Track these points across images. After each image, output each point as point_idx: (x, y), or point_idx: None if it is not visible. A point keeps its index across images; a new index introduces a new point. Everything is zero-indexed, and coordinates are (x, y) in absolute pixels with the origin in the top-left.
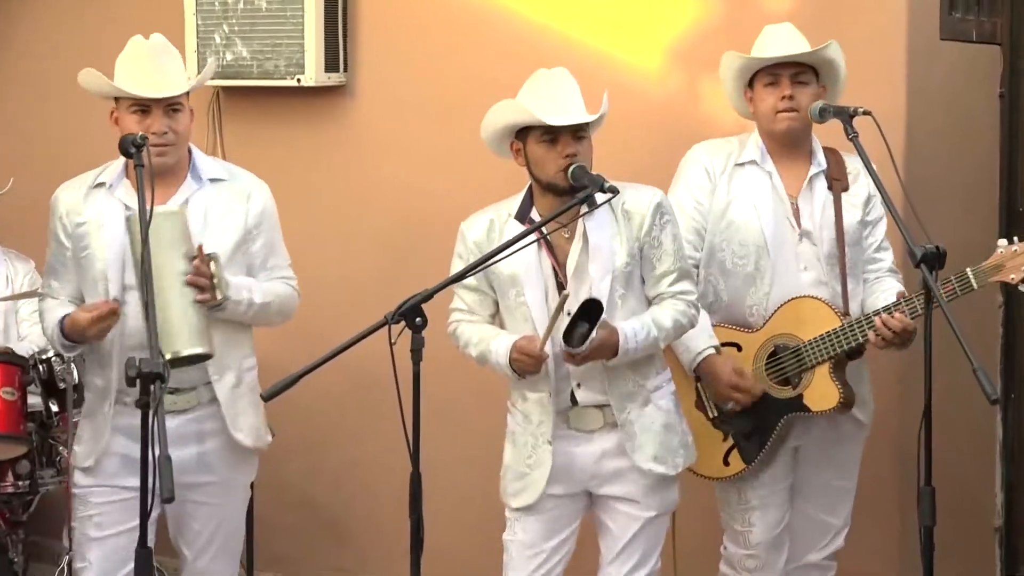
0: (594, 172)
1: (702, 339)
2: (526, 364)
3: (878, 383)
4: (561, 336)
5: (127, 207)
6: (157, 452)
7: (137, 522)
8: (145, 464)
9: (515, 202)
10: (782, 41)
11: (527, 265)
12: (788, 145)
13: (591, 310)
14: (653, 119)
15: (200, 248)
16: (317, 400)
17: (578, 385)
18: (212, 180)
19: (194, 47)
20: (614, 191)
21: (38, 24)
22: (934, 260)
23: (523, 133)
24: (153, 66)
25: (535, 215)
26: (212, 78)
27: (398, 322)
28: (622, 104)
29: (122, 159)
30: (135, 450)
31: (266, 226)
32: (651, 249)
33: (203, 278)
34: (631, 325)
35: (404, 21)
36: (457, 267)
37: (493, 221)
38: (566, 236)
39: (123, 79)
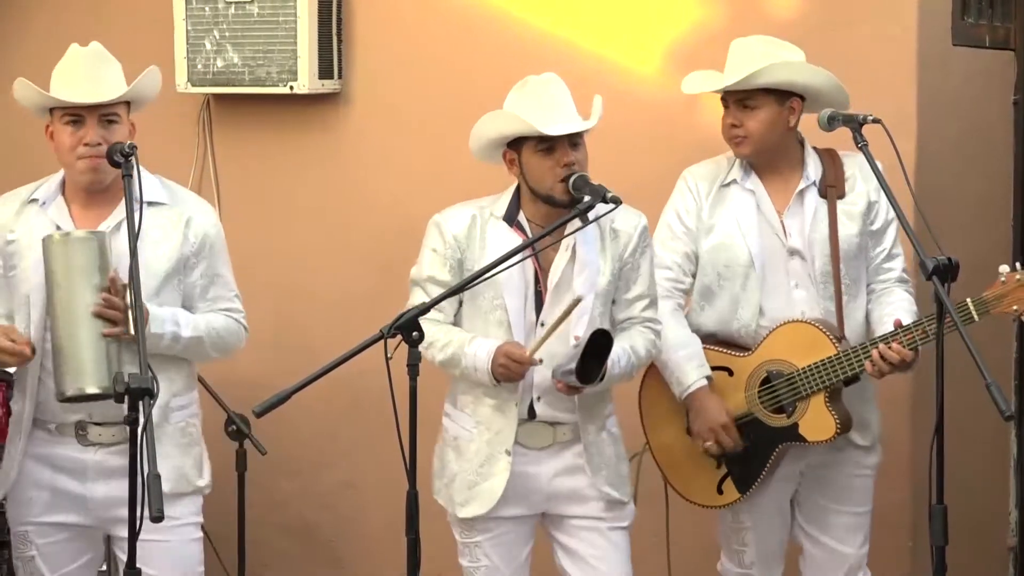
0: (595, 182)
1: (692, 369)
2: (514, 371)
3: (888, 399)
4: (574, 368)
5: (57, 227)
6: (147, 470)
7: (88, 556)
8: (133, 482)
9: (498, 202)
10: (736, 62)
11: (509, 272)
12: (768, 162)
13: (599, 342)
14: (652, 126)
15: (112, 278)
16: (310, 418)
17: (539, 398)
18: (150, 203)
19: (184, 54)
20: (617, 201)
21: (23, 31)
22: (946, 272)
23: (517, 143)
24: (87, 73)
25: (522, 219)
26: (203, 85)
27: (394, 336)
28: (621, 111)
29: (57, 175)
30: (64, 483)
31: (207, 254)
32: (631, 271)
33: (112, 310)
34: (615, 352)
35: (400, 27)
36: (433, 261)
37: (475, 217)
38: (552, 246)
39: (55, 87)
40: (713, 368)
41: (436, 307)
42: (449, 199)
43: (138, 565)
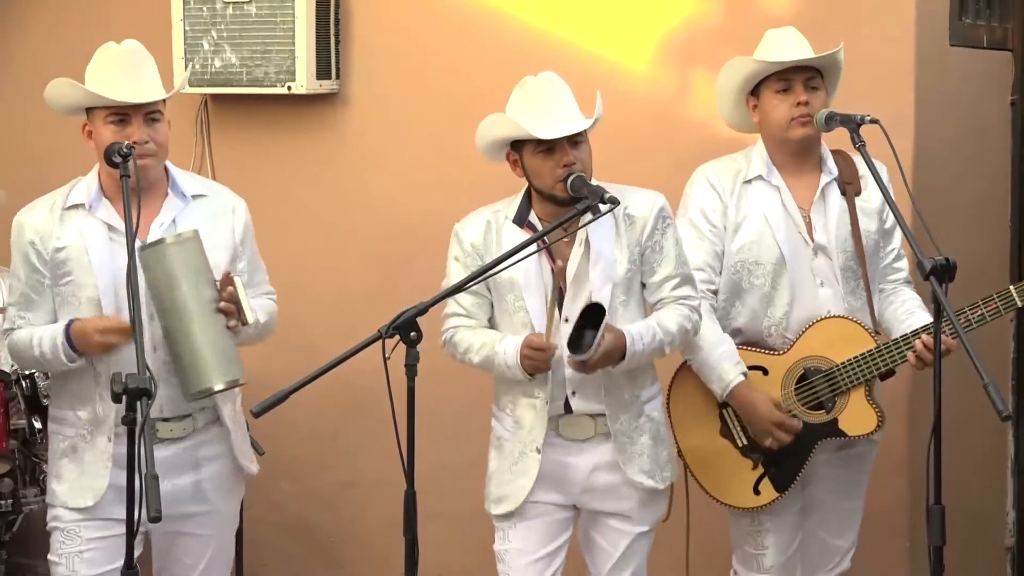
0: (593, 181)
1: (731, 366)
2: (538, 360)
3: (885, 399)
4: (565, 344)
5: (109, 226)
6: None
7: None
8: (132, 483)
9: (511, 205)
10: (792, 45)
11: (527, 270)
12: (799, 155)
13: (593, 315)
14: (650, 124)
15: (227, 273)
16: (309, 417)
17: (573, 393)
18: (195, 196)
19: (182, 54)
20: (614, 202)
21: (22, 31)
22: (944, 272)
23: (518, 144)
24: (129, 72)
25: (534, 219)
26: (200, 85)
27: (392, 336)
28: (619, 110)
29: (89, 176)
30: (122, 478)
31: (249, 242)
32: (652, 253)
33: (232, 303)
34: (637, 328)
35: (398, 27)
36: (455, 270)
37: (490, 223)
38: (567, 241)
39: (96, 86)
40: (749, 367)
41: (467, 313)
42: (447, 199)
43: (191, 560)
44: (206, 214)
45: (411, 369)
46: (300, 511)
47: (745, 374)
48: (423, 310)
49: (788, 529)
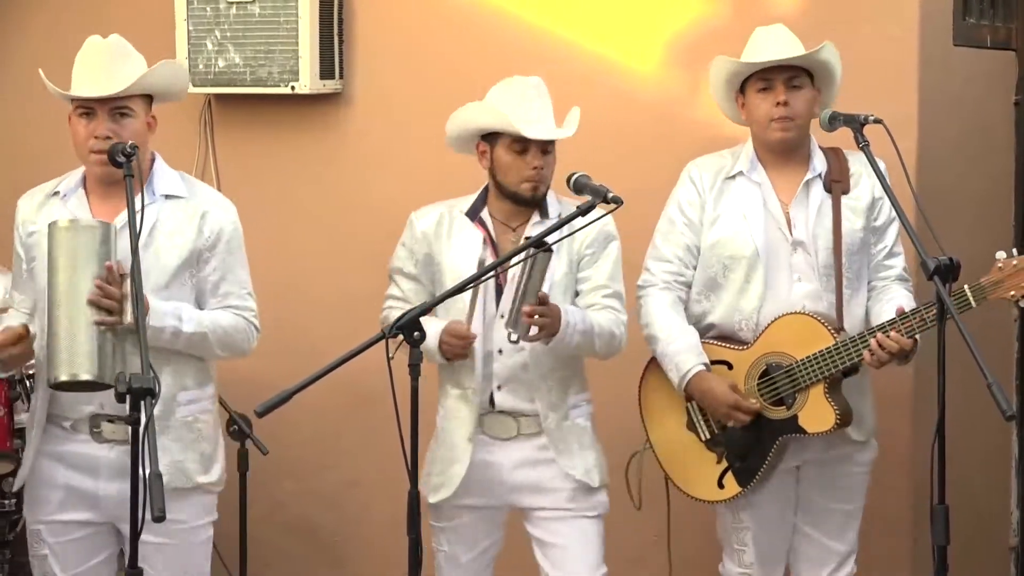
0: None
1: (691, 357)
2: (455, 347)
3: (889, 398)
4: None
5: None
6: (148, 470)
7: (104, 555)
8: (136, 482)
9: (467, 200)
10: (774, 44)
11: (469, 262)
12: (783, 152)
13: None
14: (653, 124)
15: (109, 267)
16: (311, 418)
17: (499, 387)
18: (167, 196)
19: (185, 53)
20: (618, 201)
21: (23, 31)
22: (947, 272)
23: (491, 137)
24: (101, 66)
25: (485, 215)
26: (204, 85)
27: (396, 336)
28: (622, 110)
29: (79, 168)
30: (78, 481)
31: (221, 250)
32: (588, 263)
33: (108, 299)
34: (571, 309)
35: (402, 26)
36: (399, 256)
37: (443, 215)
38: (512, 240)
39: (74, 78)
40: (712, 362)
41: (403, 298)
42: (450, 198)
43: (141, 565)
44: (170, 214)
45: (414, 369)
46: (303, 511)
47: (706, 364)
48: (425, 310)
49: (770, 526)
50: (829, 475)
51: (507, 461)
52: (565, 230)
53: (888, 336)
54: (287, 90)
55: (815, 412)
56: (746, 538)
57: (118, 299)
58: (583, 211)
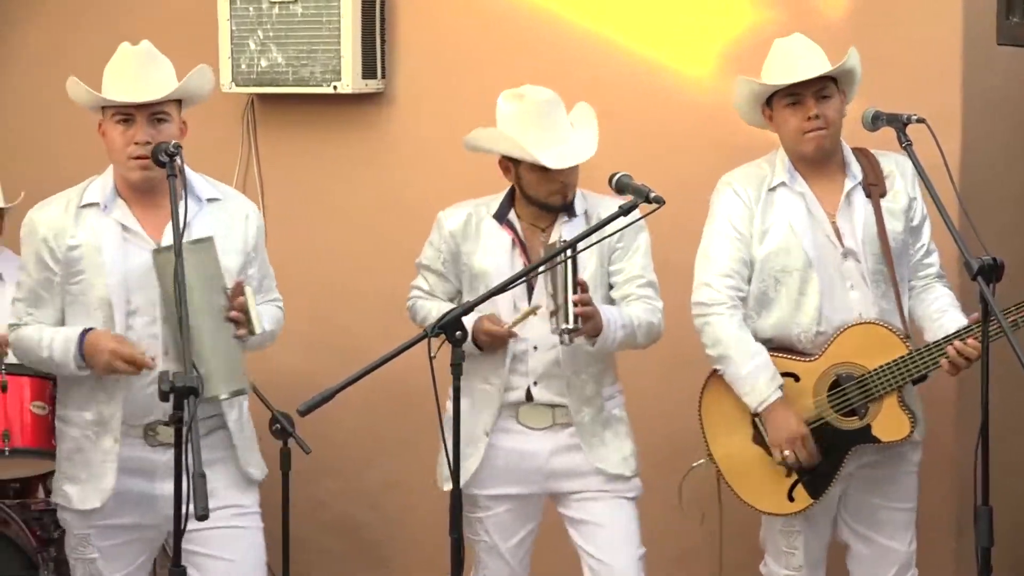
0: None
1: (766, 380)
2: (493, 342)
3: (934, 400)
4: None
5: (123, 227)
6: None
7: (145, 556)
8: (179, 481)
9: (494, 201)
10: (799, 59)
11: (498, 264)
12: (818, 162)
13: None
14: (701, 128)
15: (239, 283)
16: (353, 417)
17: (535, 383)
18: (210, 200)
19: (228, 53)
20: (659, 202)
21: (68, 33)
22: (991, 272)
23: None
24: (137, 72)
25: (513, 217)
26: (247, 85)
27: (438, 335)
28: (668, 113)
29: (104, 175)
30: (133, 484)
31: (260, 248)
32: (621, 255)
33: (241, 312)
34: (609, 309)
35: (444, 26)
36: (427, 253)
37: (471, 215)
38: (542, 240)
39: (107, 85)
40: (781, 375)
41: (429, 290)
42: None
43: (219, 554)
44: (220, 218)
45: (456, 368)
46: (345, 510)
47: (781, 387)
48: (467, 310)
49: (820, 529)
50: (884, 476)
51: (543, 449)
52: (604, 228)
53: (966, 343)
54: (329, 90)
55: (890, 421)
56: (796, 541)
57: (245, 310)
58: (625, 211)
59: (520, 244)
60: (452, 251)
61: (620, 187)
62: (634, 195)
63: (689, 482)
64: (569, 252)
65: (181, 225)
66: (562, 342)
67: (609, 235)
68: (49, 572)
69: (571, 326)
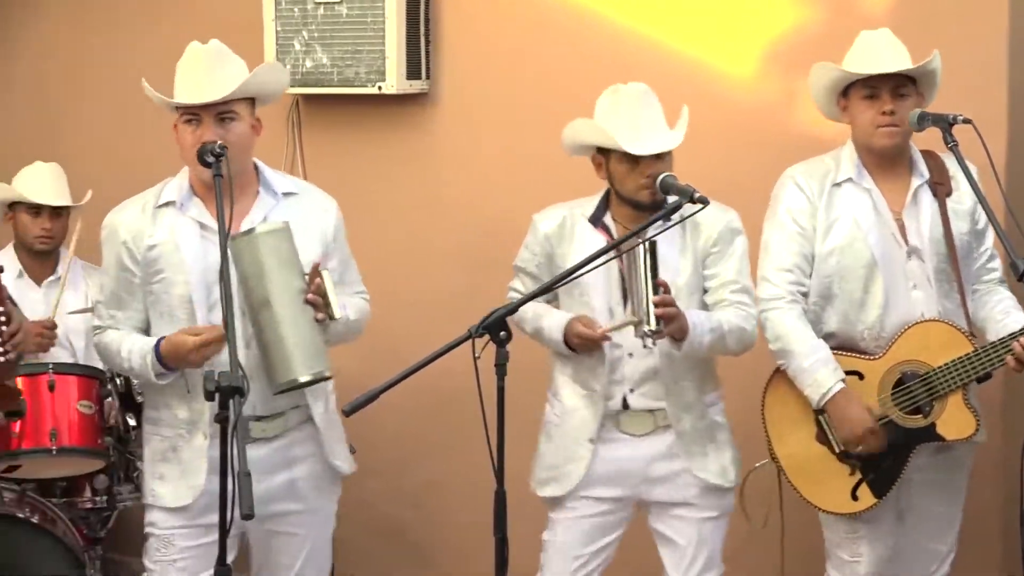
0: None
1: (829, 374)
2: (588, 345)
3: (981, 403)
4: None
5: (201, 224)
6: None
7: (230, 559)
8: (224, 479)
9: (590, 203)
10: (882, 52)
11: (595, 270)
12: (887, 159)
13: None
14: (745, 128)
15: (316, 265)
16: (397, 418)
17: (631, 390)
18: (286, 194)
19: (273, 54)
20: (704, 202)
21: (115, 33)
22: None
23: (605, 149)
24: (204, 73)
25: (608, 220)
26: (292, 86)
27: (482, 336)
28: (712, 113)
29: (179, 175)
30: (218, 483)
31: (340, 240)
32: (716, 260)
33: (320, 296)
34: (697, 313)
35: (488, 27)
36: (522, 256)
37: (566, 218)
38: (639, 242)
39: (176, 86)
40: (844, 372)
41: (524, 293)
42: (535, 199)
43: (288, 559)
44: (298, 212)
45: (501, 369)
46: (388, 510)
47: (843, 380)
48: (512, 309)
49: (884, 536)
50: (939, 479)
51: (645, 454)
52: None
53: None
54: (374, 90)
55: (955, 419)
56: (860, 548)
57: (324, 294)
58: (668, 212)
59: (616, 250)
60: (547, 253)
61: (665, 188)
62: (679, 195)
63: (751, 484)
64: (649, 252)
65: (256, 220)
66: (645, 345)
67: (663, 229)
68: (96, 570)
69: (653, 328)
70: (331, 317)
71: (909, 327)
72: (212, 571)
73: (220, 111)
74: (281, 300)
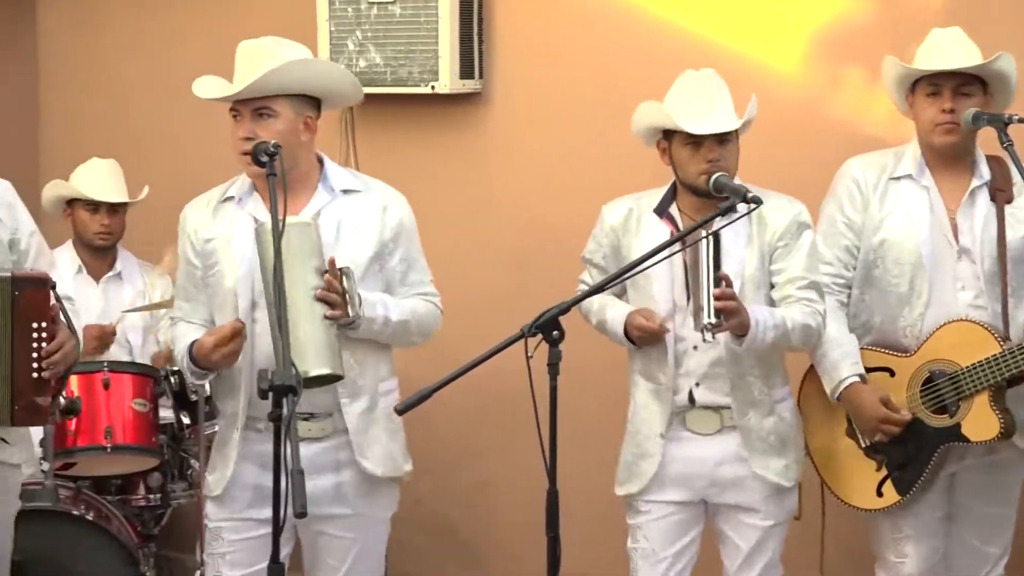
0: (737, 181)
1: (846, 366)
2: (647, 338)
3: None
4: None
5: (256, 220)
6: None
7: (283, 554)
8: (278, 478)
9: (657, 195)
10: (949, 50)
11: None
12: (948, 157)
13: None
14: (798, 123)
15: (331, 261)
16: (449, 417)
17: (697, 384)
18: (345, 191)
19: (327, 54)
20: (757, 202)
21: (169, 31)
22: None
23: (669, 134)
24: (244, 69)
25: (674, 211)
26: None
27: (534, 335)
28: (764, 108)
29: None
30: (266, 479)
31: (404, 240)
32: (783, 255)
33: (334, 293)
34: (760, 309)
35: (541, 26)
36: (589, 247)
37: (632, 210)
38: (703, 234)
39: (222, 81)
40: (875, 368)
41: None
42: (588, 199)
43: (335, 561)
44: (354, 210)
45: (553, 368)
46: (441, 509)
47: (862, 376)
48: (565, 309)
49: (930, 536)
50: (989, 481)
51: (711, 456)
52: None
53: None
54: (427, 90)
55: (979, 421)
56: (906, 548)
57: (341, 293)
58: (722, 211)
59: (682, 241)
60: (613, 245)
61: (718, 187)
62: (732, 195)
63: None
64: (712, 244)
65: (280, 224)
66: (704, 339)
67: (720, 227)
68: (149, 568)
69: (712, 321)
70: (346, 315)
71: (942, 326)
72: (261, 566)
73: (257, 107)
74: (292, 295)
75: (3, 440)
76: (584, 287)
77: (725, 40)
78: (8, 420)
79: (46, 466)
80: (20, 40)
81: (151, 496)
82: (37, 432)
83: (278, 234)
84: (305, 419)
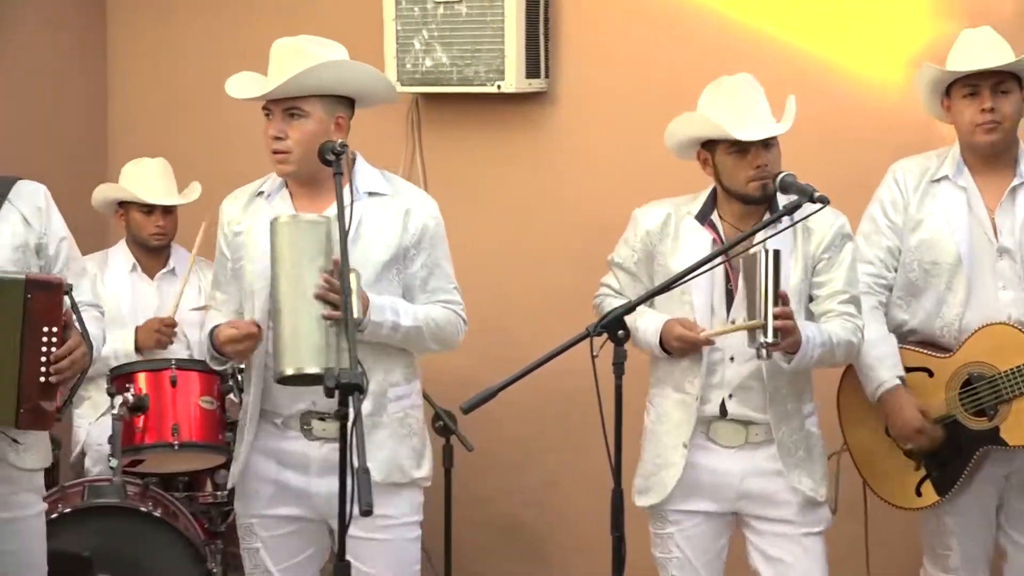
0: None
1: (886, 369)
2: (686, 348)
3: None
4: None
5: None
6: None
7: (312, 550)
8: (344, 475)
9: (695, 201)
10: (983, 50)
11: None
12: (990, 156)
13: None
14: (868, 123)
15: (335, 262)
16: (514, 415)
17: (730, 396)
18: (370, 194)
19: (393, 53)
20: (824, 201)
21: (236, 32)
22: None
23: (710, 143)
24: (276, 68)
25: (715, 218)
26: (411, 85)
27: (600, 334)
28: (834, 111)
29: None
30: (288, 477)
31: (427, 245)
32: (824, 268)
33: (333, 293)
34: (809, 325)
35: (606, 26)
36: (620, 251)
37: (669, 215)
38: (745, 245)
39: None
40: (914, 368)
41: (619, 290)
42: (652, 198)
43: (352, 561)
44: (376, 212)
45: (619, 368)
46: (506, 507)
47: (902, 378)
48: (630, 308)
49: (974, 532)
50: None
51: (737, 469)
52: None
53: None
54: (493, 89)
55: (1018, 425)
56: (951, 542)
57: (339, 291)
58: (788, 210)
59: (722, 245)
60: (647, 250)
61: (784, 186)
62: (798, 194)
63: (839, 476)
64: (772, 261)
65: (346, 222)
66: (759, 356)
67: (782, 229)
68: (216, 564)
69: (770, 340)
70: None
71: (981, 328)
72: (304, 554)
73: (287, 107)
74: (284, 291)
75: (15, 441)
76: (607, 291)
77: (799, 42)
78: (13, 423)
79: (114, 463)
80: (90, 46)
81: (218, 493)
82: (106, 430)
83: (344, 233)
84: (321, 418)
